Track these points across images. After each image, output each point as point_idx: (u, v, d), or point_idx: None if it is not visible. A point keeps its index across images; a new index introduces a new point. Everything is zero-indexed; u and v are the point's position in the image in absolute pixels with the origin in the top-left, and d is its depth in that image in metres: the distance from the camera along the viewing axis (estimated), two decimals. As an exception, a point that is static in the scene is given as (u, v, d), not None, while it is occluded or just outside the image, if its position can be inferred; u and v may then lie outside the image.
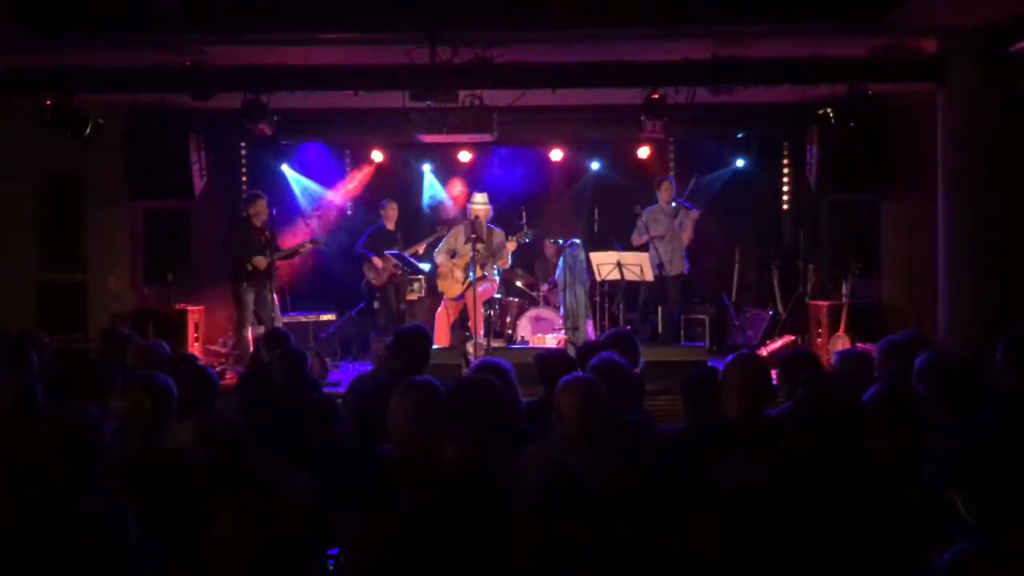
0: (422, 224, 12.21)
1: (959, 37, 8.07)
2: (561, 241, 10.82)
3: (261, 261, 9.96)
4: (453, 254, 10.28)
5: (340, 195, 12.54)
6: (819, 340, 10.26)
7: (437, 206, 12.60)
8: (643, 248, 10.34)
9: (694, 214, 10.45)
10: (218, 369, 9.02)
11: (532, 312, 10.77)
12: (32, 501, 2.90)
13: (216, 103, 8.89)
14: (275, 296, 10.21)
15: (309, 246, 10.68)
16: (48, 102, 8.77)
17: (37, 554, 2.64)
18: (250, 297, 10.01)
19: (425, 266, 11.10)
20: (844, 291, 10.16)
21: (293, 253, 10.63)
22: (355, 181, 12.51)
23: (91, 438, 3.18)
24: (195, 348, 10.43)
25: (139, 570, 2.75)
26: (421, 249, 10.95)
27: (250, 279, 9.99)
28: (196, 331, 10.75)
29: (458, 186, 12.47)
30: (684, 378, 4.61)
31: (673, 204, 10.52)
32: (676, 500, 3.47)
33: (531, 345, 10.15)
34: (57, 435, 3.19)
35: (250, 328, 9.90)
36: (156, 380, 3.73)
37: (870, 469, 3.14)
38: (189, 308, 10.82)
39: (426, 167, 12.49)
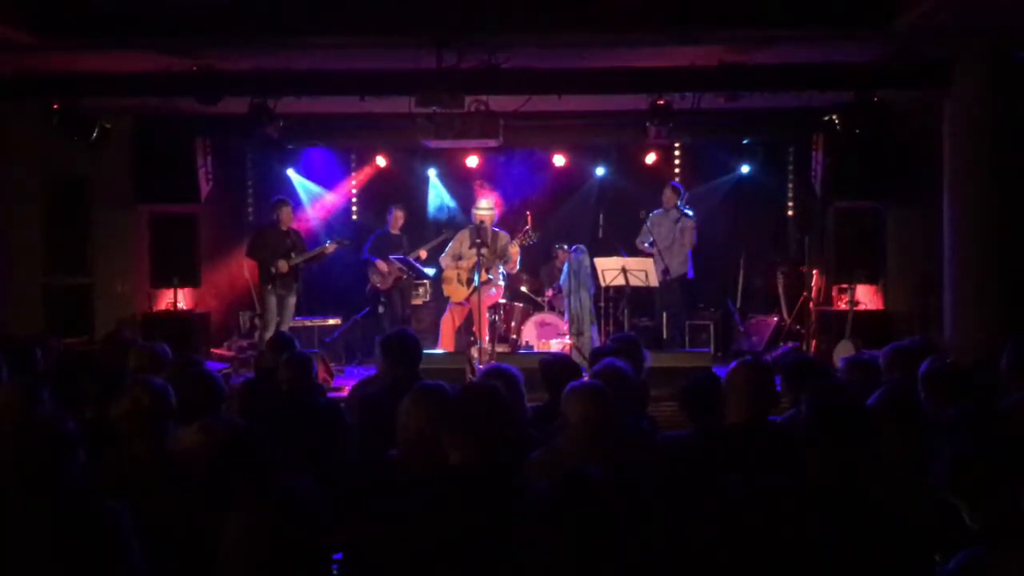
0: (427, 229, 12.23)
1: (965, 44, 8.07)
2: (567, 246, 10.84)
3: (283, 265, 10.24)
4: (459, 258, 10.29)
5: (345, 198, 12.61)
6: (824, 346, 10.25)
7: (444, 212, 12.60)
8: (645, 252, 10.38)
9: (689, 223, 10.49)
10: (224, 373, 9.03)
11: (537, 317, 10.78)
12: (31, 500, 2.91)
13: (223, 108, 8.91)
14: (295, 300, 10.44)
15: (333, 247, 10.69)
16: (56, 106, 8.80)
17: (35, 552, 2.65)
18: (273, 300, 10.27)
19: (430, 271, 11.11)
20: (849, 297, 10.16)
21: (318, 256, 10.65)
22: (359, 184, 12.57)
23: (56, 451, 3.08)
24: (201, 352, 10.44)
25: (139, 568, 2.76)
26: (423, 254, 10.96)
27: (275, 283, 10.21)
28: (202, 334, 10.77)
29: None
30: (682, 386, 4.58)
31: (676, 207, 10.54)
32: (681, 506, 3.47)
33: (536, 350, 10.16)
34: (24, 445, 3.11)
35: (272, 331, 9.95)
36: (152, 382, 3.81)
37: (875, 475, 3.14)
38: (195, 311, 10.86)
39: (431, 172, 12.50)
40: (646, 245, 10.47)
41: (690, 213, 10.65)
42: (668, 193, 10.68)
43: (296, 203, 12.05)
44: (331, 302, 11.69)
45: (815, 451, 3.10)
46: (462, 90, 8.31)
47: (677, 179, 11.91)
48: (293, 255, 10.35)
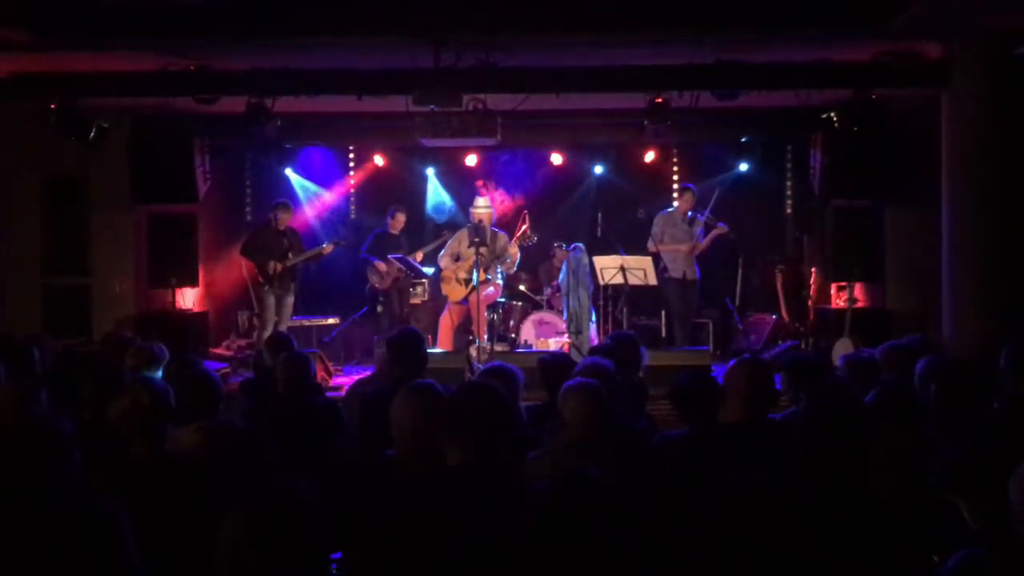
0: (426, 228, 12.22)
1: (963, 42, 8.07)
2: (565, 245, 10.82)
3: (276, 266, 10.22)
4: (457, 258, 10.28)
5: (344, 198, 12.61)
6: (823, 345, 10.25)
7: (443, 212, 12.59)
8: (656, 255, 10.32)
9: (721, 229, 10.41)
10: (222, 373, 9.03)
11: (535, 316, 10.76)
12: (28, 501, 2.91)
13: (220, 107, 8.90)
14: (293, 299, 10.45)
15: (330, 248, 10.64)
16: (53, 106, 8.79)
17: (33, 554, 2.65)
18: (271, 300, 10.29)
19: (429, 270, 11.10)
20: (848, 295, 10.16)
21: (315, 256, 10.63)
22: (357, 183, 12.58)
23: (53, 451, 3.09)
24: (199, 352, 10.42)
25: (137, 569, 2.75)
26: (420, 255, 10.95)
27: (272, 282, 10.23)
28: (200, 334, 10.77)
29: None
30: (673, 385, 4.51)
31: (690, 214, 10.47)
32: (680, 505, 3.47)
33: (535, 349, 10.15)
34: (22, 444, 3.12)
35: (270, 330, 9.94)
36: (153, 381, 3.82)
37: (874, 474, 3.14)
38: (193, 311, 10.84)
39: (430, 171, 12.49)
40: (656, 248, 10.37)
41: (703, 217, 10.61)
42: (688, 196, 10.51)
43: (294, 203, 12.04)
44: (329, 302, 11.67)
45: (815, 450, 3.09)
46: (460, 89, 8.31)
47: (676, 177, 11.92)
48: (291, 255, 10.34)
